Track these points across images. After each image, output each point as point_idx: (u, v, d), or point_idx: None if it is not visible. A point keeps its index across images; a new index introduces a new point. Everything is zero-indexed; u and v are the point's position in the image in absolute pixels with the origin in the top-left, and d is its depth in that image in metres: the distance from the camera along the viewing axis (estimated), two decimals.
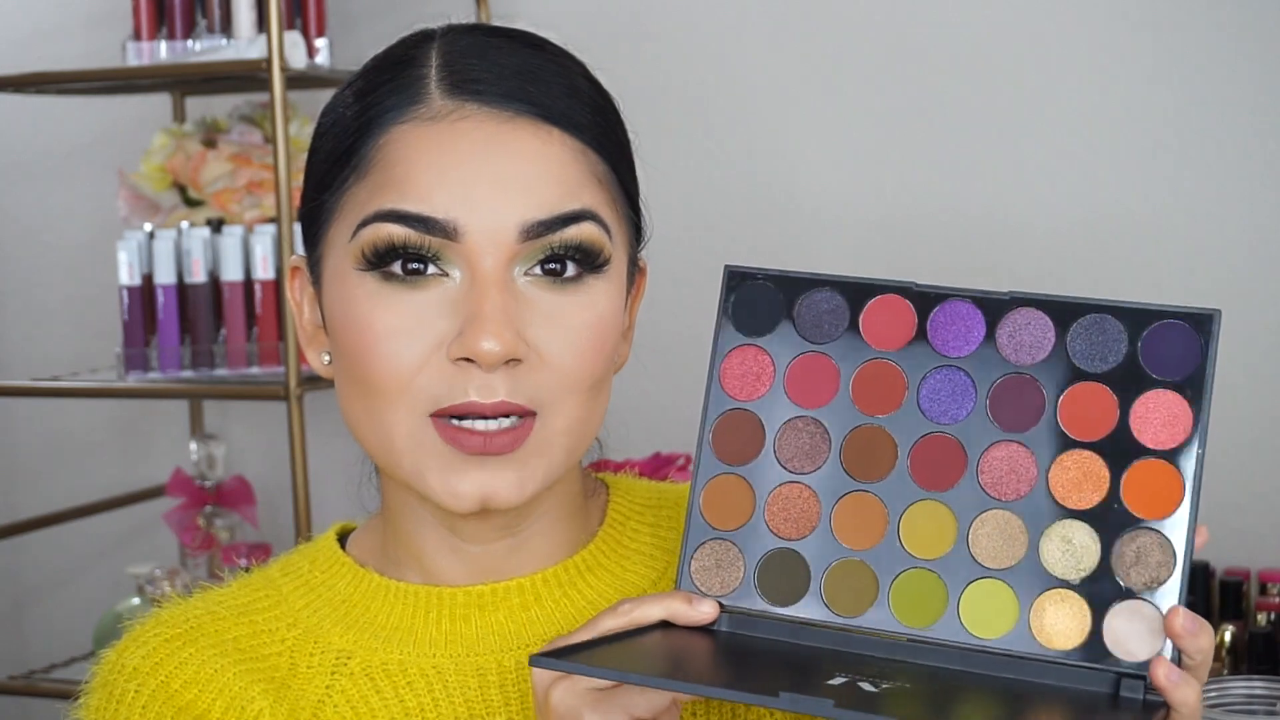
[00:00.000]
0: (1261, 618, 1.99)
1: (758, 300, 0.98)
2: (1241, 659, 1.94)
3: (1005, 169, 2.36)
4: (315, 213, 1.03)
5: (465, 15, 2.50)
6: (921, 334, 0.94)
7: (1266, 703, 1.62)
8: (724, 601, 0.95)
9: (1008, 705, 0.87)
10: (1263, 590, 2.02)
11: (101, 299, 2.68)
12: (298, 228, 2.26)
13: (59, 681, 2.50)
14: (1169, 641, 0.88)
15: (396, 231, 0.97)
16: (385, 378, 0.97)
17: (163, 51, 2.43)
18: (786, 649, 0.93)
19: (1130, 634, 0.88)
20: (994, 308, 0.93)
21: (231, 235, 2.35)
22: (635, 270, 1.07)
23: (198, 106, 2.72)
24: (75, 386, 2.49)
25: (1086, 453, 0.90)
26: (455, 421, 0.97)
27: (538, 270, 0.98)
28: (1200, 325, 0.89)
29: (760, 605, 0.94)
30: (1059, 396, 0.91)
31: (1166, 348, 0.90)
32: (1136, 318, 0.90)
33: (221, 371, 2.37)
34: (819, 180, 2.46)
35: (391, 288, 0.97)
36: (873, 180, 2.43)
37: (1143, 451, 0.89)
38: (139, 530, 2.86)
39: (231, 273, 2.35)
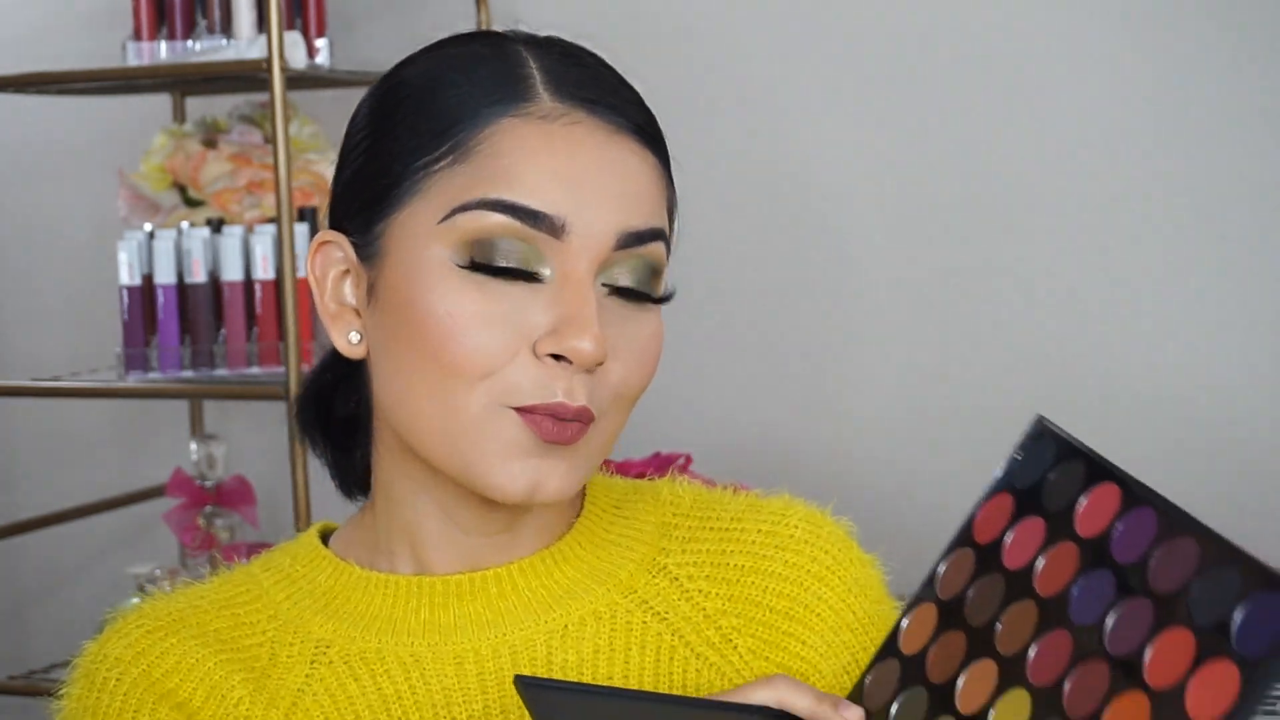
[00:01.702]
0: None
1: (1038, 455, 0.99)
2: None
3: (1011, 156, 2.36)
4: (380, 192, 1.02)
5: (465, 15, 2.50)
6: (1110, 530, 0.93)
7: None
8: (871, 716, 0.97)
9: None
10: None
11: (101, 299, 2.68)
12: (300, 228, 2.29)
13: (59, 681, 2.49)
14: None
15: (501, 221, 0.98)
16: (469, 364, 0.98)
17: (163, 51, 2.43)
18: None
19: None
20: (1168, 526, 0.91)
21: (231, 235, 2.35)
22: None
23: (198, 106, 2.72)
24: (75, 386, 2.49)
25: (1143, 697, 0.87)
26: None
27: (613, 284, 1.01)
28: None
29: None
30: (1159, 635, 0.88)
31: (1258, 620, 0.84)
32: (1255, 579, 0.85)
33: (221, 371, 2.37)
34: (830, 180, 2.46)
35: (482, 275, 0.99)
36: (877, 173, 2.43)
37: (1182, 716, 0.84)
38: (139, 530, 2.87)
39: (231, 273, 2.35)
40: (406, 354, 1.01)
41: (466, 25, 2.44)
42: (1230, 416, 2.26)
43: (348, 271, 1.05)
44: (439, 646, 1.04)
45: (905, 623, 1.00)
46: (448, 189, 1.00)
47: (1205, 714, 0.84)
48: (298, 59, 2.26)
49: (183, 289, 2.37)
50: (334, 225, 1.06)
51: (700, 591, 1.10)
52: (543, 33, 1.08)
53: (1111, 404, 2.31)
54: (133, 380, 2.39)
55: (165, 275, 2.36)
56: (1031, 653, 0.92)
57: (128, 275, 2.37)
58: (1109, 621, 0.90)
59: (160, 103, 2.74)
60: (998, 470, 1.00)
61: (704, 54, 2.50)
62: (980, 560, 0.98)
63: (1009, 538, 0.97)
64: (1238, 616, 0.85)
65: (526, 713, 1.03)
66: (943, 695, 0.95)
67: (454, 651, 1.04)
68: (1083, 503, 0.95)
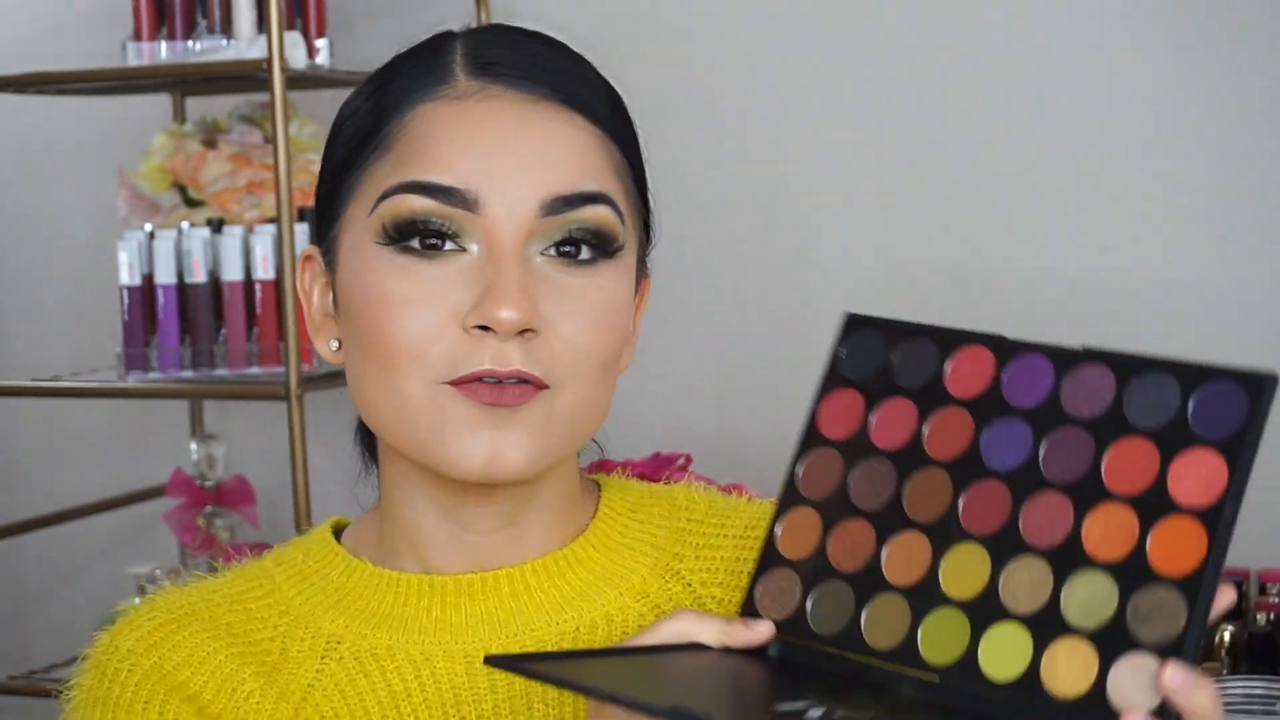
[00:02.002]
0: (1261, 618, 1.99)
1: (864, 345, 1.01)
2: (1241, 659, 1.94)
3: (1009, 156, 2.36)
4: (333, 194, 1.05)
5: (465, 15, 2.50)
6: (996, 383, 0.96)
7: (1266, 703, 1.62)
8: (778, 627, 0.97)
9: None
10: (1262, 590, 2.02)
11: (101, 299, 2.68)
12: (300, 228, 2.30)
13: (59, 681, 2.48)
14: None
15: (418, 202, 0.99)
16: (399, 346, 0.99)
17: (163, 52, 2.43)
18: (801, 675, 0.95)
19: (1133, 687, 0.87)
20: (1064, 362, 0.94)
21: (231, 235, 2.35)
22: (642, 273, 1.09)
23: (198, 106, 2.72)
24: (75, 386, 2.49)
25: (1121, 506, 0.90)
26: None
27: (552, 251, 1.00)
28: (1253, 387, 0.89)
29: (809, 634, 0.96)
30: (1107, 450, 0.91)
31: (1216, 407, 0.89)
32: (1193, 375, 0.90)
33: (221, 371, 2.37)
34: (831, 182, 2.46)
35: (408, 259, 1.00)
36: (875, 173, 2.43)
37: (1173, 508, 0.89)
38: (139, 530, 2.86)
39: (231, 273, 2.35)
40: (357, 349, 1.02)
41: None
42: None
43: (326, 282, 1.07)
44: (450, 645, 1.05)
45: (779, 530, 1.00)
46: (375, 181, 1.02)
47: (1199, 499, 0.88)
48: (298, 59, 2.26)
49: (183, 289, 2.37)
50: (314, 238, 1.09)
51: (713, 598, 1.10)
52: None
53: None
54: (133, 380, 2.39)
55: (165, 275, 2.36)
56: (961, 507, 0.94)
57: (128, 275, 2.37)
58: (1041, 455, 0.93)
59: (160, 103, 2.74)
60: (823, 371, 1.01)
61: (705, 54, 2.50)
62: (847, 453, 0.99)
63: (873, 422, 0.99)
64: (1191, 408, 0.90)
65: (534, 713, 1.03)
66: (867, 578, 0.96)
67: (465, 650, 1.04)
68: (948, 370, 0.97)
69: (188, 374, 2.37)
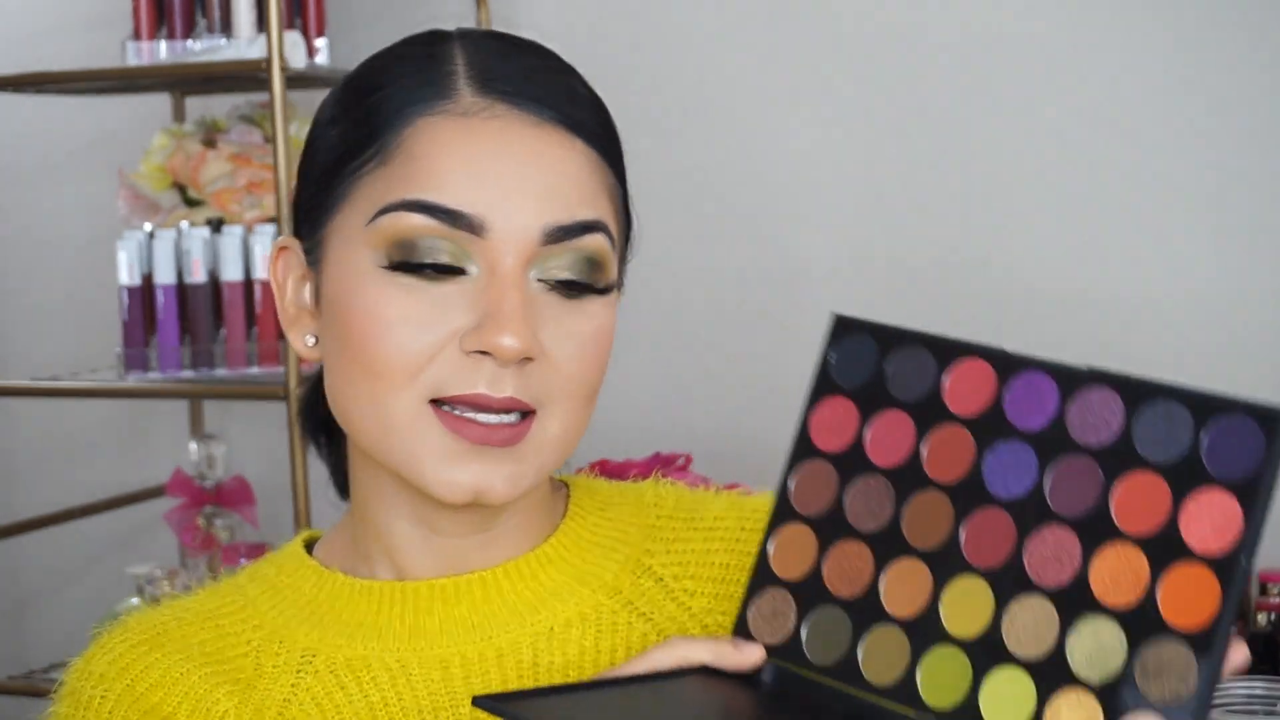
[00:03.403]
0: (1261, 618, 1.99)
1: (856, 351, 0.98)
2: None
3: (995, 160, 2.36)
4: (320, 197, 1.03)
5: (465, 15, 2.50)
6: (998, 402, 0.92)
7: (1266, 703, 1.61)
8: (771, 652, 0.95)
9: None
10: (1263, 590, 2.02)
11: (101, 299, 2.68)
12: None
13: (59, 682, 2.49)
14: None
15: (421, 222, 0.98)
16: (394, 364, 0.98)
17: (162, 51, 2.43)
18: (793, 708, 0.93)
19: None
20: (1069, 382, 0.90)
21: (231, 235, 2.36)
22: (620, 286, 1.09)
23: (198, 106, 2.72)
24: (75, 386, 2.49)
25: (1131, 547, 0.86)
26: (457, 411, 0.98)
27: (548, 279, 1.00)
28: (1267, 423, 0.83)
29: (804, 662, 0.94)
30: (1115, 483, 0.87)
31: (1229, 443, 0.84)
32: (1205, 406, 0.85)
33: (221, 371, 2.37)
34: (828, 184, 2.46)
35: (409, 277, 0.98)
36: (859, 175, 2.43)
37: (1186, 553, 0.84)
38: (139, 530, 2.86)
39: (231, 273, 2.35)
40: (342, 357, 1.01)
41: (465, 26, 2.44)
42: None
43: (304, 276, 1.06)
44: (424, 651, 1.04)
45: (771, 549, 0.97)
46: (373, 192, 1.00)
47: (1212, 545, 0.84)
48: (298, 59, 2.26)
49: (182, 289, 2.37)
50: (294, 231, 1.07)
51: (686, 591, 1.10)
52: (526, 30, 1.07)
53: None
54: (133, 380, 2.39)
55: (165, 275, 2.36)
56: (962, 538, 0.91)
57: (128, 275, 2.37)
58: (1047, 485, 0.89)
59: (160, 103, 2.74)
60: (812, 377, 0.98)
61: (706, 54, 2.50)
62: (842, 468, 0.96)
63: (868, 437, 0.96)
64: (1205, 444, 0.85)
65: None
66: (867, 606, 0.93)
67: (439, 656, 1.04)
68: (946, 384, 0.94)
69: (187, 374, 2.38)
